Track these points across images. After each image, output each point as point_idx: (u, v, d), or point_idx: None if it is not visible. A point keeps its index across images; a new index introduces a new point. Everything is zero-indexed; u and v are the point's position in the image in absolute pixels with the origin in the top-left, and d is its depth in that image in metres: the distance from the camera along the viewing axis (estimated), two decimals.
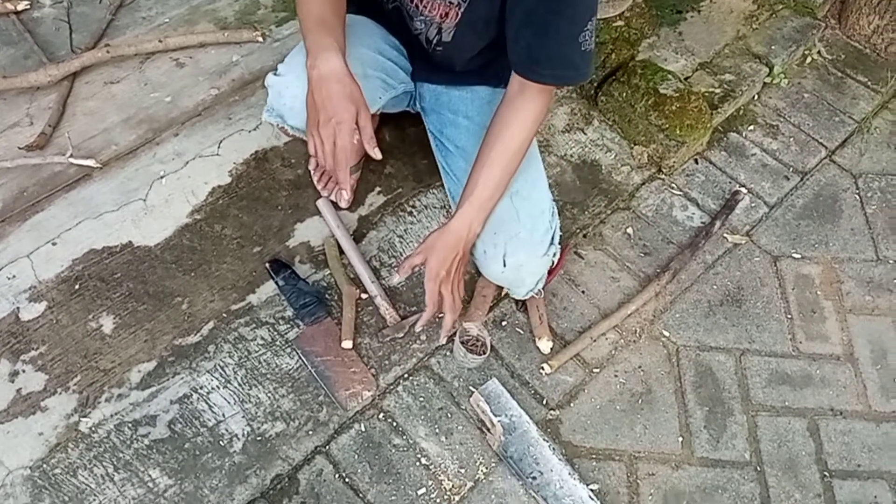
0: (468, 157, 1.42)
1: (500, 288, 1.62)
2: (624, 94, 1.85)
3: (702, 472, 1.50)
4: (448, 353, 1.56)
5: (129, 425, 1.38)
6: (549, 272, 1.66)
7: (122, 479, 1.33)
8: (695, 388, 1.60)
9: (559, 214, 1.56)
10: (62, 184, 1.58)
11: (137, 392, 1.41)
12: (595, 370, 1.59)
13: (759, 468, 1.51)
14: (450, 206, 1.72)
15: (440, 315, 1.46)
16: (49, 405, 1.37)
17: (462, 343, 1.52)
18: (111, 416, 1.39)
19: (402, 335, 1.56)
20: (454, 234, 1.34)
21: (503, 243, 1.40)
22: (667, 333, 1.66)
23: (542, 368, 1.57)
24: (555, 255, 1.49)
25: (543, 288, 1.63)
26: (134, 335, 1.46)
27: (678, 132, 1.81)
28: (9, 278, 1.47)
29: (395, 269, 1.54)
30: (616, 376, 1.59)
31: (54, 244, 1.52)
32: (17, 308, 1.45)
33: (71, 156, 1.50)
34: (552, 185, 1.65)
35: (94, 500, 1.31)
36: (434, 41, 1.45)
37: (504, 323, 1.62)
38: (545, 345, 1.58)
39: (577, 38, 1.24)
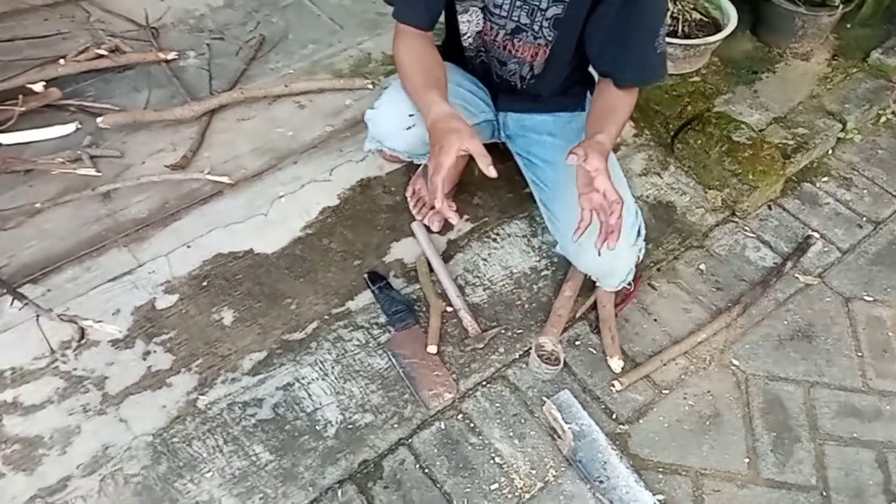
0: (555, 168, 1.60)
1: (575, 307, 1.75)
2: (699, 142, 1.99)
3: (767, 493, 1.54)
4: (524, 366, 1.69)
5: (239, 405, 1.57)
6: (623, 299, 1.79)
7: (229, 451, 1.50)
8: (763, 414, 1.65)
9: None
10: (198, 198, 1.85)
11: (248, 377, 1.60)
12: (664, 391, 1.67)
13: (825, 493, 1.54)
14: (530, 236, 1.89)
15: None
16: (173, 382, 1.58)
17: (538, 356, 1.65)
18: (224, 396, 1.57)
19: (482, 346, 1.70)
20: (601, 144, 1.42)
21: (596, 233, 1.52)
22: (736, 362, 1.73)
23: (613, 385, 1.67)
24: (640, 250, 1.63)
25: (616, 314, 1.75)
26: (249, 328, 1.67)
27: (751, 177, 1.93)
28: (149, 273, 1.72)
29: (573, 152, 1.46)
30: (685, 398, 1.67)
31: (188, 247, 1.77)
32: (154, 298, 1.69)
33: (209, 173, 1.77)
34: None
35: (205, 467, 1.48)
36: (527, 77, 1.66)
37: (578, 343, 1.73)
38: (616, 363, 1.68)
39: (653, 43, 1.46)
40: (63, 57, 2.01)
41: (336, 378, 1.62)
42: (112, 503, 1.42)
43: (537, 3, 1.50)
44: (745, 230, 1.98)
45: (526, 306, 1.77)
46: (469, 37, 1.65)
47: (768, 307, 1.84)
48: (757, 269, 1.90)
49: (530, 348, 1.68)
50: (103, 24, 2.23)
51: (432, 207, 1.86)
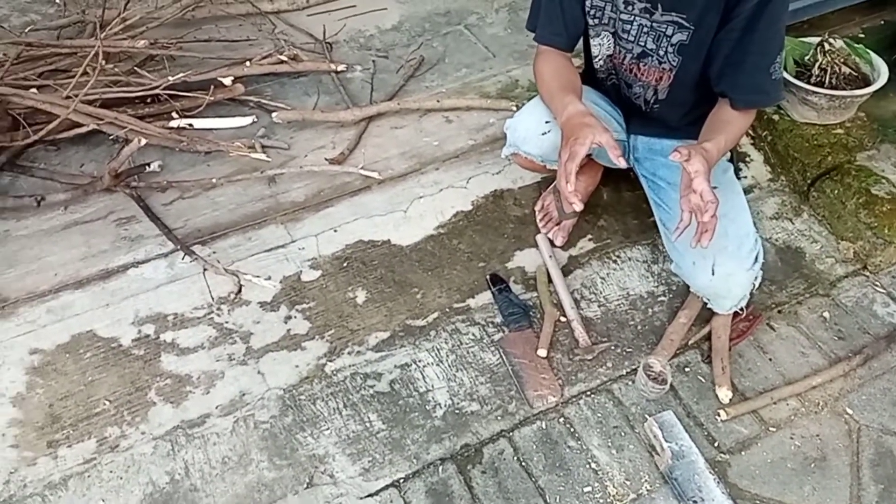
0: (678, 190, 1.65)
1: (688, 335, 1.78)
2: (836, 192, 1.97)
3: None
4: (630, 383, 1.73)
5: (361, 376, 1.72)
6: (740, 334, 1.80)
7: (347, 415, 1.65)
8: (872, 465, 1.60)
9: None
10: (349, 190, 2.06)
11: (371, 353, 1.75)
12: (771, 428, 1.66)
13: None
14: (651, 262, 1.95)
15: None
16: (307, 346, 1.76)
17: (647, 373, 1.69)
18: (349, 365, 1.73)
19: (591, 358, 1.76)
20: (706, 151, 1.47)
21: (712, 255, 1.58)
22: (850, 411, 1.69)
23: (718, 414, 1.68)
24: (757, 278, 1.65)
25: (731, 348, 1.76)
26: (377, 309, 1.83)
27: (887, 232, 1.89)
28: (299, 249, 1.93)
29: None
30: (791, 438, 1.65)
31: (335, 231, 1.97)
32: (301, 271, 1.89)
33: (362, 168, 1.97)
34: None
35: (324, 425, 1.63)
36: (651, 101, 1.74)
37: (687, 369, 1.76)
38: (724, 393, 1.69)
39: (768, 69, 1.52)
40: (249, 60, 2.30)
41: (449, 366, 1.74)
42: (242, 443, 1.60)
43: (663, 30, 1.60)
44: (876, 285, 1.94)
45: (638, 327, 1.82)
46: (600, 59, 1.76)
47: (891, 362, 1.78)
48: (883, 324, 1.85)
49: (638, 366, 1.73)
50: (286, 35, 2.52)
51: (558, 223, 1.97)
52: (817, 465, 1.60)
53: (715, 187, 1.43)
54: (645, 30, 1.62)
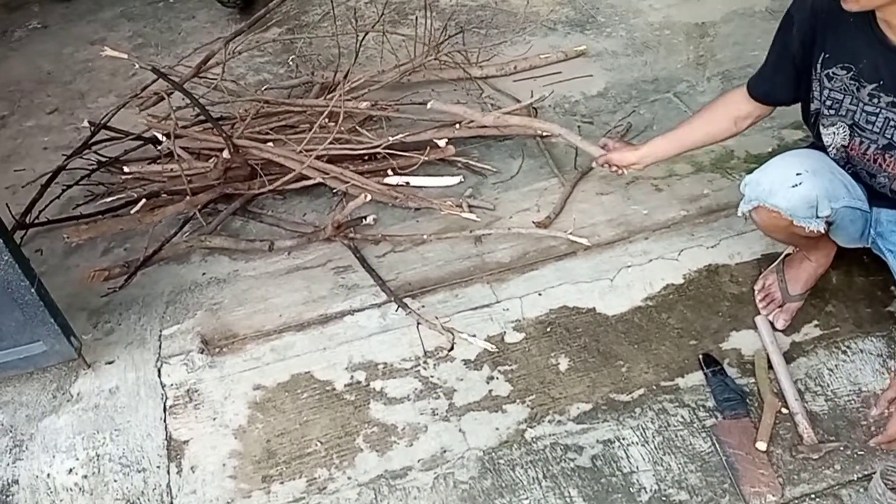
0: None
1: None
2: None
3: None
4: (862, 489, 1.56)
5: (562, 447, 1.67)
6: None
7: (547, 486, 1.61)
8: None
9: None
10: (554, 255, 2.05)
11: (573, 424, 1.71)
12: None
13: None
14: (887, 357, 1.76)
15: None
16: (507, 409, 1.74)
17: (885, 481, 1.51)
18: (549, 434, 1.69)
19: (817, 458, 1.61)
20: None
21: None
22: None
23: None
24: None
25: None
26: (580, 379, 1.78)
27: None
28: (504, 310, 1.94)
29: (874, 403, 1.64)
30: None
31: (540, 294, 1.97)
32: (504, 332, 1.90)
33: (571, 233, 1.97)
34: None
35: (523, 494, 1.60)
36: None
37: None
38: None
39: None
40: (459, 122, 2.39)
41: (656, 448, 1.65)
42: (441, 501, 1.60)
43: None
44: None
45: (872, 429, 1.64)
46: (833, 148, 1.66)
47: None
48: None
49: (873, 473, 1.55)
50: (493, 100, 2.61)
51: (781, 305, 1.84)
52: None
53: None
54: (892, 122, 1.52)
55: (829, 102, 1.61)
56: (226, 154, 2.17)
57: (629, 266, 2.01)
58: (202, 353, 1.89)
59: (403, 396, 1.79)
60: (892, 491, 1.50)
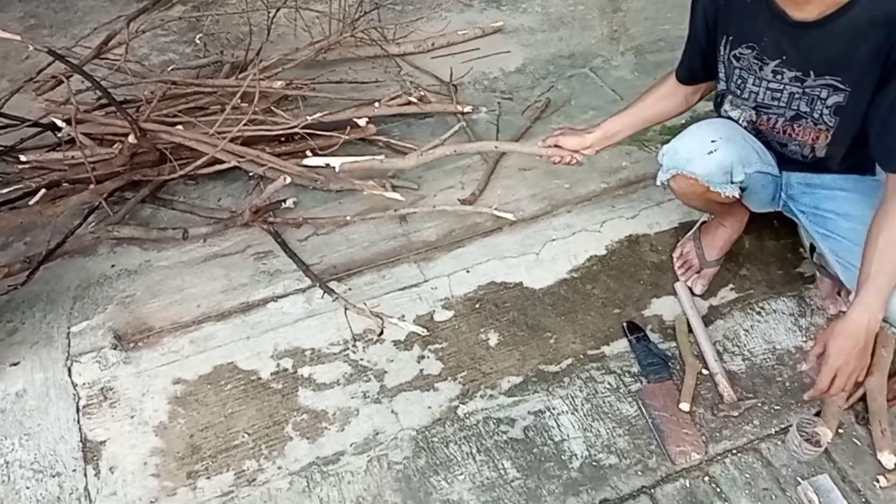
0: (851, 219, 1.59)
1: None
2: None
3: None
4: (779, 443, 1.63)
5: (494, 421, 1.68)
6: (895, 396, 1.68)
7: (481, 460, 1.61)
8: None
9: None
10: (480, 231, 2.05)
11: (504, 397, 1.72)
12: None
13: None
14: (798, 316, 1.85)
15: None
16: (439, 387, 1.74)
17: (801, 433, 1.59)
18: (481, 409, 1.70)
19: (737, 414, 1.67)
20: (854, 322, 1.43)
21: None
22: None
23: (877, 480, 1.56)
24: None
25: (890, 407, 1.64)
26: (510, 352, 1.80)
27: None
28: (432, 288, 1.93)
29: (802, 359, 1.67)
30: None
31: (467, 271, 1.96)
32: (434, 311, 1.88)
33: (496, 209, 1.96)
34: None
35: (458, 470, 1.60)
36: (809, 156, 1.67)
37: (841, 431, 1.64)
38: (888, 458, 1.57)
39: None
40: (378, 101, 2.35)
41: (585, 415, 1.68)
42: (376, 483, 1.58)
43: (817, 93, 1.54)
44: None
45: (787, 384, 1.72)
46: (742, 122, 1.72)
47: None
48: None
49: (789, 426, 1.63)
50: (411, 77, 2.58)
51: (698, 271, 1.90)
52: None
53: None
54: (797, 95, 1.57)
55: (738, 81, 1.65)
56: (132, 139, 2.05)
57: (554, 239, 2.03)
58: (115, 349, 1.79)
59: (333, 381, 1.75)
60: (808, 442, 1.58)
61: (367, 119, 2.24)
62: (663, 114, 1.86)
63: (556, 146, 1.84)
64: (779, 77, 1.57)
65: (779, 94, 1.59)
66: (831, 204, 1.69)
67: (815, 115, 1.57)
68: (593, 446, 1.63)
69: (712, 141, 1.63)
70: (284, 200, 2.10)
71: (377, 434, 1.66)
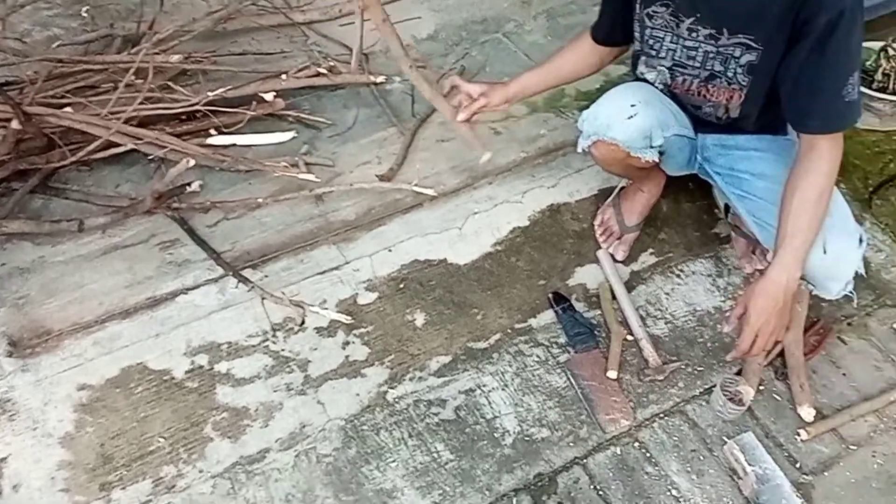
0: (765, 179, 1.62)
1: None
2: None
3: None
4: (704, 404, 1.67)
5: (424, 403, 1.64)
6: (812, 349, 1.74)
7: (413, 445, 1.58)
8: None
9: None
10: (400, 208, 1.98)
11: (434, 378, 1.68)
12: (852, 447, 1.60)
13: None
14: (716, 276, 1.89)
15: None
16: (367, 373, 1.68)
17: (724, 392, 1.63)
18: (411, 392, 1.66)
19: (661, 378, 1.70)
20: (773, 282, 1.47)
21: (822, 233, 1.50)
22: None
23: (798, 434, 1.62)
24: (860, 260, 1.60)
25: (806, 361, 1.70)
26: (438, 332, 1.76)
27: None
28: (354, 270, 1.85)
29: (724, 321, 1.72)
30: (874, 456, 1.59)
31: (390, 251, 1.90)
32: (357, 294, 1.82)
33: (416, 184, 1.90)
34: None
35: (390, 457, 1.56)
36: (723, 117, 1.68)
37: (762, 387, 1.69)
38: (807, 412, 1.63)
39: (841, 91, 1.42)
40: (285, 73, 2.22)
41: (515, 390, 1.67)
42: (305, 479, 1.53)
43: (731, 52, 1.54)
44: None
45: (708, 345, 1.76)
46: (657, 84, 1.72)
47: None
48: None
49: (713, 386, 1.67)
50: (319, 46, 2.45)
51: (619, 237, 1.90)
52: None
53: None
54: (711, 55, 1.57)
55: (651, 42, 1.64)
56: (15, 124, 1.85)
57: (476, 213, 1.99)
58: (10, 356, 1.64)
59: (253, 375, 1.67)
60: (731, 401, 1.62)
61: (274, 93, 2.11)
62: (579, 73, 1.84)
63: (482, 106, 1.79)
64: (694, 35, 1.56)
65: (694, 53, 1.58)
66: (746, 164, 1.71)
67: (729, 75, 1.58)
68: (525, 421, 1.62)
69: (631, 105, 1.61)
70: (189, 184, 1.96)
71: (304, 427, 1.59)
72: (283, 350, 1.71)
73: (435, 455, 1.57)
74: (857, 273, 1.62)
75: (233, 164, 2.01)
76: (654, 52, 1.65)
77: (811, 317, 1.79)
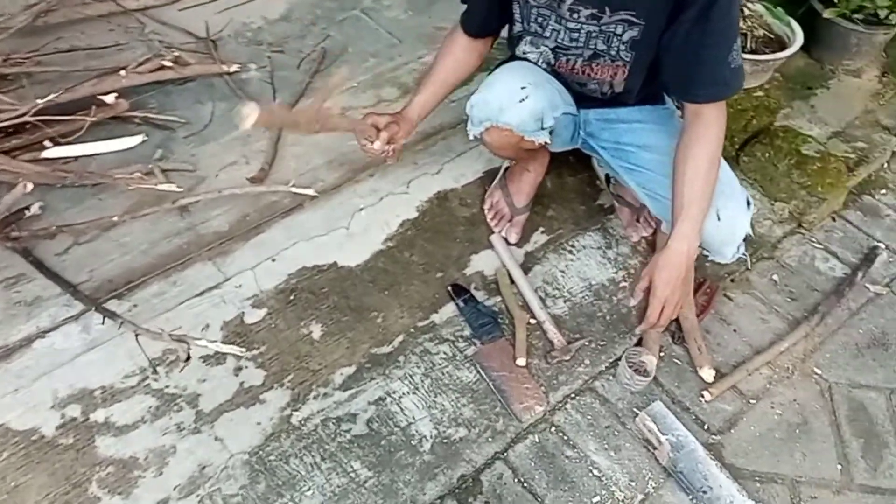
0: (651, 150, 1.63)
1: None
2: (766, 155, 2.02)
3: (863, 498, 1.55)
4: (611, 378, 1.69)
5: (333, 421, 1.54)
6: (701, 310, 1.81)
7: (328, 468, 1.48)
8: (849, 421, 1.66)
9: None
10: (279, 211, 1.83)
11: (340, 392, 1.58)
12: (752, 401, 1.68)
13: None
14: (605, 248, 1.90)
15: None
16: (266, 398, 1.55)
17: (629, 363, 1.65)
18: (318, 411, 1.55)
19: (568, 358, 1.69)
20: (675, 253, 1.48)
21: (714, 199, 1.53)
22: (818, 371, 1.75)
23: (703, 396, 1.67)
24: (750, 220, 1.64)
25: (699, 322, 1.76)
26: (337, 342, 1.65)
27: (819, 189, 1.96)
28: (236, 287, 1.70)
29: (630, 295, 1.71)
30: (772, 408, 1.68)
31: (273, 260, 1.75)
32: (243, 312, 1.67)
33: (293, 185, 1.75)
34: None
35: (305, 485, 1.45)
36: (608, 93, 1.67)
37: (662, 354, 1.73)
38: (708, 373, 1.69)
39: (726, 59, 1.45)
40: (124, 68, 1.98)
41: (426, 392, 1.61)
42: None
43: (613, 30, 1.52)
44: (813, 241, 2.01)
45: (607, 318, 1.77)
46: (541, 63, 1.66)
47: (843, 316, 1.85)
48: (827, 279, 1.92)
49: (617, 359, 1.68)
50: (159, 35, 2.21)
51: (510, 220, 1.87)
52: (801, 431, 1.64)
53: None
54: (594, 34, 1.54)
55: (539, 20, 1.58)
56: None
57: (362, 209, 1.88)
58: None
59: (137, 420, 1.49)
60: (637, 372, 1.65)
61: (115, 94, 1.87)
62: (464, 76, 1.72)
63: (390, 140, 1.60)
64: (575, 16, 1.52)
65: (576, 35, 1.55)
66: (630, 137, 1.71)
67: (613, 52, 1.55)
68: (441, 423, 1.56)
69: (522, 88, 1.56)
70: (27, 208, 1.71)
71: (203, 468, 1.45)
72: (167, 387, 1.53)
73: (352, 475, 1.48)
74: (746, 235, 1.68)
75: (76, 179, 1.76)
76: (539, 31, 1.58)
77: (697, 277, 1.85)
